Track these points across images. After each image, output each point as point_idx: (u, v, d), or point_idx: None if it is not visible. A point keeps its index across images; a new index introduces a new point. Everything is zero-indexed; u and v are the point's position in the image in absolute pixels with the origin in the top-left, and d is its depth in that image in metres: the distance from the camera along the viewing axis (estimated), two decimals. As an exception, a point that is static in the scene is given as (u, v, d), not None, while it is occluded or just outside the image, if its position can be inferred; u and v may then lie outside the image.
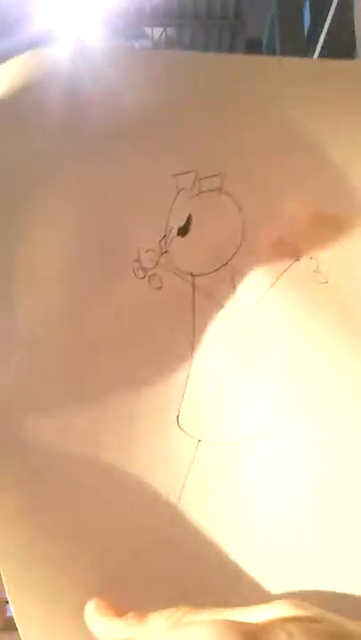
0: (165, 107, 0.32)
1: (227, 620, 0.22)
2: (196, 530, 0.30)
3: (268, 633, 0.21)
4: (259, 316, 0.33)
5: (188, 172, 0.32)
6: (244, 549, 0.30)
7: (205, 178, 0.33)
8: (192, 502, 0.31)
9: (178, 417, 0.31)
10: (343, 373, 0.32)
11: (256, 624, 0.22)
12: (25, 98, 0.30)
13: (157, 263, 0.32)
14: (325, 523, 0.30)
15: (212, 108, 0.33)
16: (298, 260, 0.33)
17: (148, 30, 4.11)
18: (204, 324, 0.32)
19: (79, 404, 0.30)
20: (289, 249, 0.33)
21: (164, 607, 0.26)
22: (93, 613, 0.27)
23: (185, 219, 0.32)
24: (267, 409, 0.32)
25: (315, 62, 0.36)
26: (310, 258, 0.34)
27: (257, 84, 0.33)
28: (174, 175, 0.32)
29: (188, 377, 0.32)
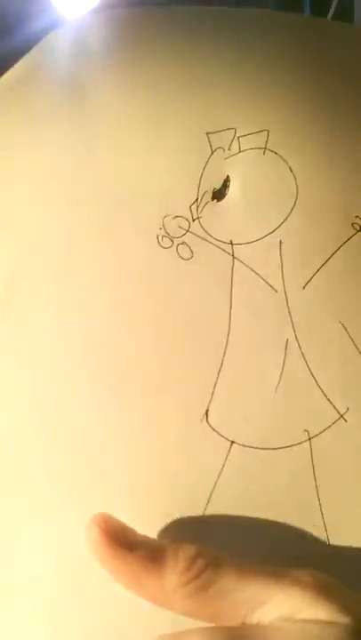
0: (201, 59, 0.28)
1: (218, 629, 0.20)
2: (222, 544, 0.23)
3: None
4: (308, 297, 0.26)
5: (225, 130, 0.28)
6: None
7: (247, 135, 0.28)
8: (220, 514, 0.24)
9: (207, 412, 0.25)
10: None
11: (252, 629, 0.20)
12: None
13: (187, 231, 0.27)
14: None
15: (256, 63, 0.29)
16: (361, 230, 0.27)
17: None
18: (244, 304, 0.26)
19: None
20: (350, 217, 0.28)
21: None
22: (99, 544, 0.22)
23: (221, 181, 0.27)
24: (311, 409, 0.25)
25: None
26: (377, 227, 0.28)
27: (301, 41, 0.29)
28: (208, 133, 0.28)
29: (221, 365, 0.26)
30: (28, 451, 0.24)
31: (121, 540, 0.22)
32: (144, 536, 0.23)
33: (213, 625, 0.21)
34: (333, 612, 0.20)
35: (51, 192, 0.27)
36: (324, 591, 0.20)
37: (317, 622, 0.20)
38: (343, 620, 0.20)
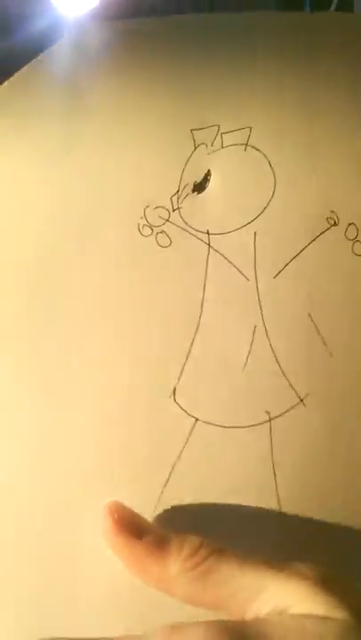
0: (187, 59, 0.30)
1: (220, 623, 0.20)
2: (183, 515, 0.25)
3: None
4: (278, 287, 0.28)
5: (208, 127, 0.29)
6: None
7: (230, 132, 0.29)
8: (180, 491, 0.26)
9: (175, 390, 0.27)
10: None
11: (253, 624, 0.20)
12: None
13: (167, 220, 0.28)
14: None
15: (242, 61, 0.30)
16: (336, 224, 0.29)
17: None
18: (217, 290, 0.28)
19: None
20: (325, 211, 0.29)
21: None
22: (111, 533, 0.24)
23: (202, 175, 0.29)
24: (274, 392, 0.27)
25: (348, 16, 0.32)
26: (350, 224, 0.29)
27: (288, 38, 0.30)
28: (192, 130, 0.29)
29: (191, 346, 0.27)
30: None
31: (131, 528, 0.23)
32: (152, 524, 0.24)
33: (213, 616, 0.21)
34: (331, 606, 0.20)
35: (36, 179, 0.29)
36: (323, 584, 0.20)
37: (315, 617, 0.20)
38: (340, 614, 0.20)
